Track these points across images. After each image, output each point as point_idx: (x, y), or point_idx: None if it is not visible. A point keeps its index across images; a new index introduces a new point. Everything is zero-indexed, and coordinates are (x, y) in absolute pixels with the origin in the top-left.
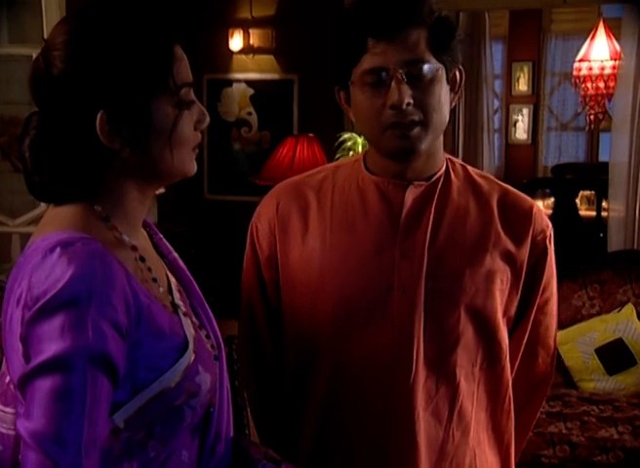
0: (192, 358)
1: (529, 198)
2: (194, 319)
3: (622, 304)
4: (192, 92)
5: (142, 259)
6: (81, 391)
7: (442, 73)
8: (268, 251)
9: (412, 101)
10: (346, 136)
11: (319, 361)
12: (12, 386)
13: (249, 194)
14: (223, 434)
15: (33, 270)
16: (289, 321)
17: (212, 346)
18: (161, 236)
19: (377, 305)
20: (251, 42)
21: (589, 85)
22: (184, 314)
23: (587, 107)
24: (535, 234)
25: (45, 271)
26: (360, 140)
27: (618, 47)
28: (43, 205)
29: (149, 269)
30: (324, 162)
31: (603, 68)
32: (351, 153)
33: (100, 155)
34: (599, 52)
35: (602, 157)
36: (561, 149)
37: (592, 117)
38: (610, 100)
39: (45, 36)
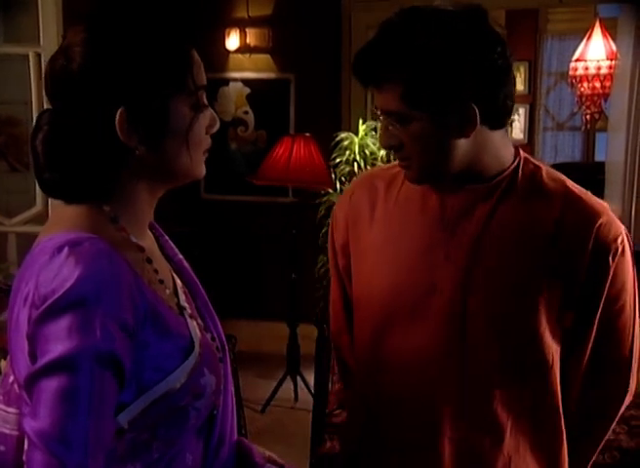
0: (198, 359)
1: (599, 207)
2: (199, 321)
3: None
4: (204, 97)
5: (149, 261)
6: (87, 391)
7: (426, 121)
8: (342, 239)
9: (397, 144)
10: (343, 135)
11: (360, 356)
12: (15, 386)
13: (245, 194)
14: (227, 437)
15: (41, 269)
16: (354, 313)
17: (217, 348)
18: (167, 238)
19: (418, 305)
20: (247, 41)
21: (586, 85)
22: (190, 316)
23: (584, 107)
24: (595, 249)
25: (53, 271)
26: (357, 140)
27: (614, 47)
28: (39, 204)
29: (156, 271)
30: (320, 162)
31: (599, 68)
32: (348, 153)
33: (116, 152)
34: (595, 52)
35: (598, 157)
36: (557, 149)
37: (588, 117)
38: (606, 100)
39: (41, 35)
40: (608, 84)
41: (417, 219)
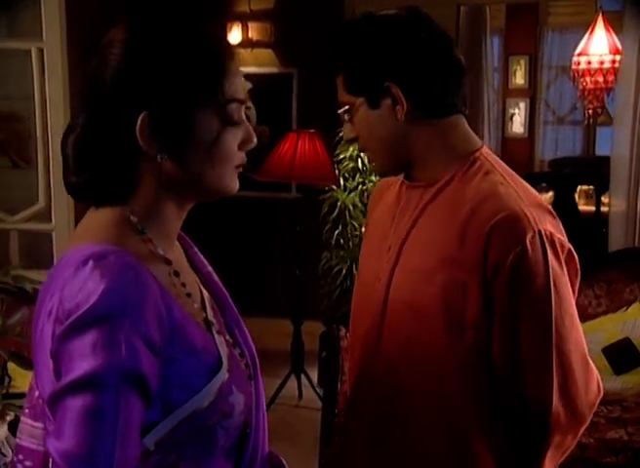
0: (226, 377)
1: (506, 204)
2: (228, 337)
3: (629, 303)
4: (242, 110)
5: (177, 274)
6: (113, 411)
7: (363, 105)
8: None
9: (353, 136)
10: None
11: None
12: (41, 400)
13: (247, 189)
14: (259, 455)
15: (65, 283)
16: None
17: (246, 365)
18: (196, 250)
19: (370, 295)
20: (249, 35)
21: (588, 79)
22: (218, 332)
23: (586, 102)
24: (490, 248)
25: (77, 284)
26: None
27: (617, 41)
28: (42, 201)
29: (183, 284)
30: (325, 158)
31: (602, 62)
32: (351, 148)
33: (138, 158)
34: (598, 46)
35: (599, 151)
36: (557, 143)
37: (591, 112)
38: (609, 95)
39: (44, 31)
40: (610, 78)
41: (383, 212)
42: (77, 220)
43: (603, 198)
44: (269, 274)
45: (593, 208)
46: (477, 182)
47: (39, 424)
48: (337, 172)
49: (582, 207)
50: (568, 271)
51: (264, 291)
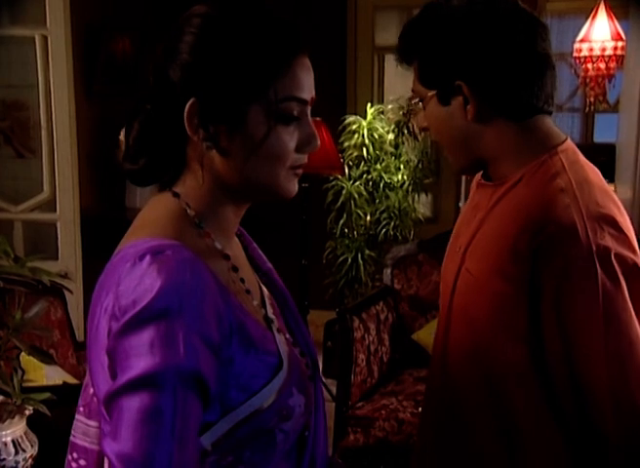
0: (286, 378)
1: (560, 218)
2: (288, 335)
3: None
4: (304, 110)
5: (235, 269)
6: (171, 411)
7: (434, 99)
8: None
9: (425, 126)
10: (351, 119)
11: None
12: (95, 398)
13: None
14: (319, 459)
15: (121, 279)
16: None
17: (306, 365)
18: (255, 246)
19: (442, 295)
20: None
21: (590, 66)
22: (278, 330)
23: (588, 89)
24: (533, 248)
25: (134, 280)
26: (365, 123)
27: (619, 27)
28: (47, 191)
29: (242, 280)
30: (331, 147)
31: (604, 49)
32: (356, 136)
33: (186, 145)
34: (600, 32)
35: (597, 138)
36: None
37: (592, 99)
38: (610, 82)
39: (48, 17)
40: (612, 65)
41: (466, 208)
42: (82, 210)
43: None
44: (275, 263)
45: None
46: (540, 187)
47: (93, 423)
48: (341, 160)
49: None
50: (631, 288)
51: None
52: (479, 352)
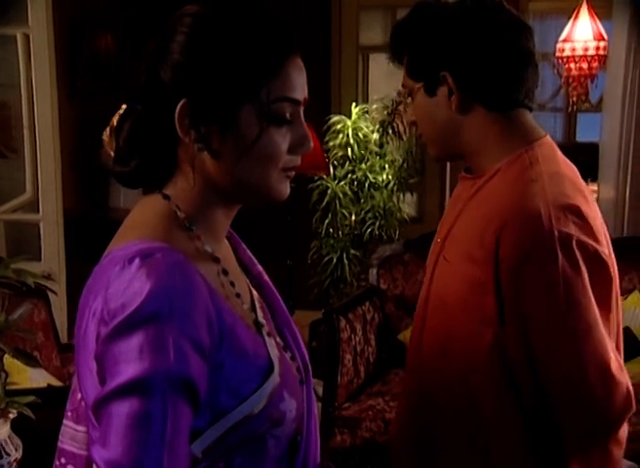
0: (277, 382)
1: (526, 204)
2: (279, 339)
3: (628, 292)
4: (296, 111)
5: (225, 273)
6: (161, 418)
7: (421, 90)
8: None
9: (413, 120)
10: (335, 118)
11: None
12: (83, 403)
13: None
14: (311, 464)
15: (110, 282)
16: None
17: (297, 369)
18: (244, 247)
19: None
20: None
21: (572, 66)
22: (268, 334)
23: (570, 88)
24: (498, 232)
25: (123, 283)
26: (349, 123)
27: (601, 27)
28: (29, 191)
29: (232, 284)
30: (317, 147)
31: (587, 49)
32: (341, 136)
33: (177, 146)
34: (582, 32)
35: (579, 138)
36: None
37: (575, 99)
38: (592, 81)
39: (30, 16)
40: (595, 65)
41: (449, 202)
42: (65, 210)
43: (590, 185)
44: (260, 263)
45: None
46: (513, 178)
47: (81, 428)
48: (326, 160)
49: None
50: (593, 275)
51: None
52: (452, 338)
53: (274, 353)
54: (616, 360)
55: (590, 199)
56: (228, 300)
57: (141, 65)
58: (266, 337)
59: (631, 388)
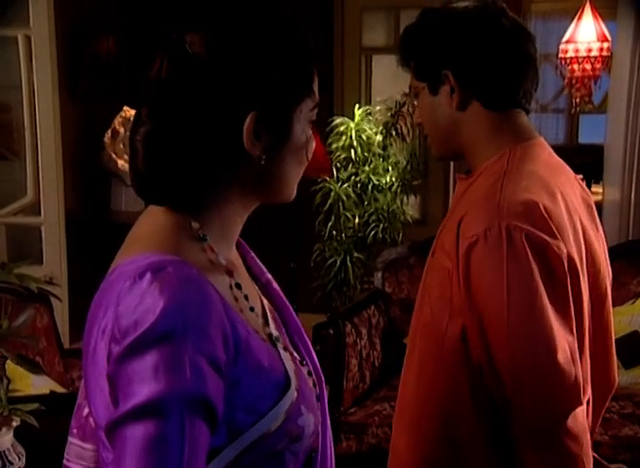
0: (295, 397)
1: (483, 199)
2: (295, 353)
3: (637, 296)
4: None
5: (239, 286)
6: (178, 440)
7: (425, 90)
8: None
9: (419, 121)
10: (338, 120)
11: None
12: (91, 420)
13: None
14: None
15: (120, 298)
16: None
17: (313, 384)
18: (253, 255)
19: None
20: None
21: (576, 67)
22: (284, 348)
23: (574, 90)
24: (459, 222)
25: (134, 300)
26: (353, 125)
27: (604, 28)
28: (30, 194)
29: (246, 297)
30: (321, 149)
31: (590, 50)
32: (344, 138)
33: (232, 160)
34: (586, 33)
35: (582, 139)
36: (541, 131)
37: (578, 100)
38: (596, 82)
39: (31, 17)
40: (598, 66)
41: None
42: (67, 213)
43: (594, 187)
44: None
45: None
46: (490, 177)
47: (89, 445)
48: (330, 162)
49: None
50: (545, 269)
51: None
52: (431, 330)
53: (290, 367)
54: (566, 350)
55: (559, 198)
56: (242, 314)
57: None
58: (282, 351)
59: (581, 381)
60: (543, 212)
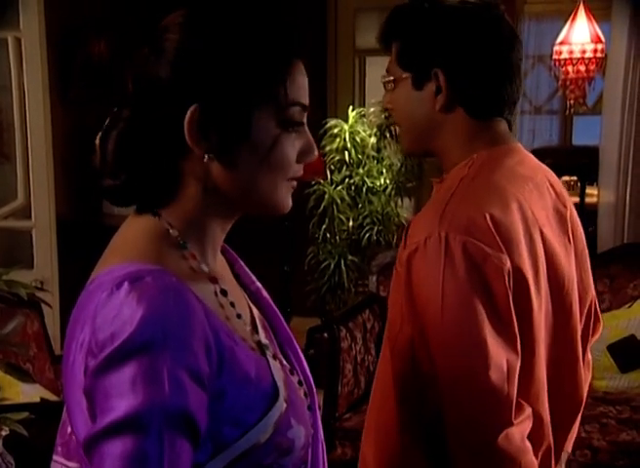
0: (284, 408)
1: (428, 209)
2: (285, 362)
3: (633, 299)
4: (304, 118)
5: (224, 293)
6: (157, 456)
7: (407, 81)
8: None
9: (389, 107)
10: (332, 122)
11: None
12: (74, 437)
13: None
14: None
15: (97, 310)
16: None
17: (304, 394)
18: (242, 263)
19: None
20: None
21: (570, 68)
22: (273, 356)
23: (568, 91)
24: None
25: (112, 311)
26: (346, 127)
27: (598, 30)
28: (21, 197)
29: (232, 304)
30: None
31: (584, 52)
32: (337, 140)
33: (183, 158)
34: (580, 35)
35: (575, 141)
36: (535, 133)
37: (572, 101)
38: (590, 84)
39: (21, 19)
40: (592, 67)
41: None
42: (58, 217)
43: (589, 189)
44: (256, 270)
45: (576, 199)
46: (449, 183)
47: (73, 464)
48: (323, 164)
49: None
50: (485, 282)
51: None
52: (387, 335)
53: (279, 376)
54: (502, 368)
55: (515, 210)
56: (228, 322)
57: (133, 69)
58: (271, 360)
59: (514, 400)
60: (489, 222)
